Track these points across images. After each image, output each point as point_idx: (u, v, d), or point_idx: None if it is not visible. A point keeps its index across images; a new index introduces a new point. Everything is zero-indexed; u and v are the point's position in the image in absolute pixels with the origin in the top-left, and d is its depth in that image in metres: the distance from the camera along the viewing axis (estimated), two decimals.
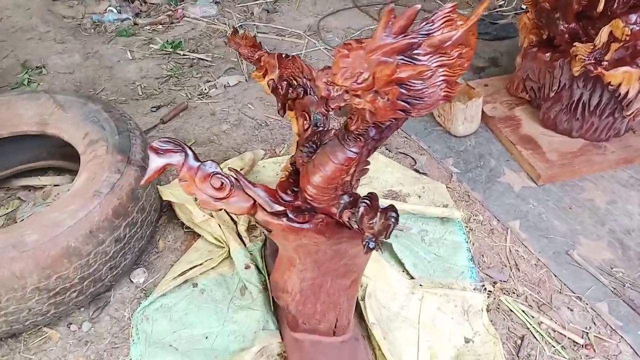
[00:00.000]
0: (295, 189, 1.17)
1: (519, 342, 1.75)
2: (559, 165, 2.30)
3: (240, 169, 2.18)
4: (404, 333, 1.72)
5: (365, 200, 0.95)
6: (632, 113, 2.15)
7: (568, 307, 1.85)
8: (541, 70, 2.36)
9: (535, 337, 1.76)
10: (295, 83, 1.47)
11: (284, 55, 1.61)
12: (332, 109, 0.93)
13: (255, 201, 1.14)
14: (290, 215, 1.13)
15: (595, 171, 2.32)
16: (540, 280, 1.94)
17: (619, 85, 2.04)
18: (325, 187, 1.06)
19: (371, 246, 1.00)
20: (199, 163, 1.15)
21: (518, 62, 2.62)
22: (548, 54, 2.28)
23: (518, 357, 1.71)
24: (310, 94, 1.43)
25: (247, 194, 1.14)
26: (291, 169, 1.34)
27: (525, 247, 2.06)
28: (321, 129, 1.39)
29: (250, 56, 1.76)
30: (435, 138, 2.55)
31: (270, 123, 2.64)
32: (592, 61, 2.02)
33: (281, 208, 1.13)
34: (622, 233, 2.09)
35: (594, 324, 1.80)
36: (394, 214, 0.92)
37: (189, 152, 1.14)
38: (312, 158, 1.09)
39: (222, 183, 1.14)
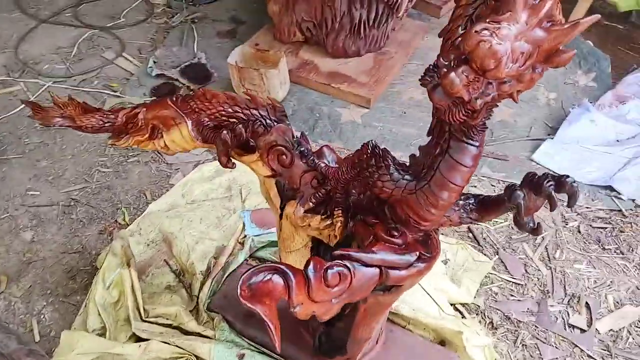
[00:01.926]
0: (395, 227, 0.96)
1: (470, 234, 1.95)
2: (374, 83, 2.47)
3: (126, 265, 1.62)
4: (413, 294, 1.70)
5: (552, 181, 0.85)
6: (402, 13, 2.42)
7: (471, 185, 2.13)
8: (317, 8, 2.40)
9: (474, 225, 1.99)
10: (238, 121, 1.13)
11: (175, 98, 1.20)
12: (477, 110, 0.78)
13: (381, 268, 0.89)
14: (426, 255, 0.93)
15: (395, 74, 2.59)
16: None
17: None
18: (455, 200, 0.90)
19: (536, 226, 0.94)
20: (301, 271, 0.82)
21: (274, 10, 2.59)
22: None
23: (481, 246, 1.92)
24: (273, 125, 1.12)
25: (371, 266, 0.88)
26: (324, 215, 1.07)
27: (405, 161, 2.22)
28: (308, 153, 1.14)
29: (106, 123, 1.25)
30: None
31: (78, 198, 1.98)
32: None
33: (415, 255, 0.91)
34: None
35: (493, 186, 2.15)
36: (572, 178, 0.86)
37: (286, 269, 0.79)
38: (421, 183, 0.89)
39: (340, 274, 0.85)
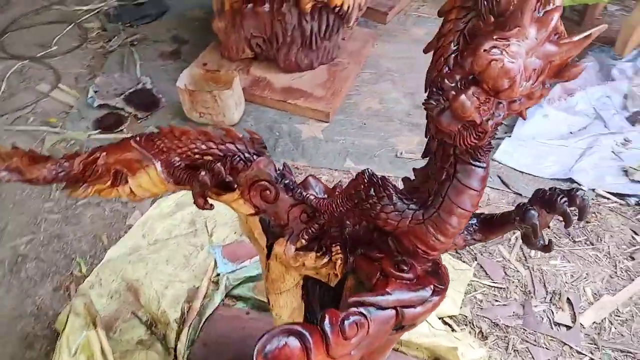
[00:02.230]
0: (402, 259, 0.89)
1: None
2: (330, 96, 2.42)
3: (92, 326, 1.46)
4: None
5: (565, 197, 0.81)
6: (353, 22, 2.39)
7: None
8: (267, 23, 2.32)
9: None
10: (214, 158, 1.03)
11: (138, 138, 1.09)
12: (488, 132, 0.73)
13: (397, 308, 0.82)
14: (439, 287, 0.87)
15: (350, 85, 2.55)
16: None
17: (342, 4, 2.22)
18: (464, 226, 0.85)
19: (547, 243, 0.90)
20: (317, 328, 0.74)
21: (219, 27, 2.49)
22: (266, 5, 2.24)
23: (459, 253, 1.90)
24: (252, 159, 1.03)
25: (386, 308, 0.81)
26: (319, 251, 0.99)
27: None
28: (294, 186, 1.06)
29: (60, 173, 1.11)
30: None
31: (26, 252, 1.79)
32: None
33: (430, 289, 0.85)
34: (416, 122, 2.44)
35: None
36: (582, 192, 0.82)
37: (301, 329, 0.71)
38: (429, 212, 0.83)
39: (357, 323, 0.77)
